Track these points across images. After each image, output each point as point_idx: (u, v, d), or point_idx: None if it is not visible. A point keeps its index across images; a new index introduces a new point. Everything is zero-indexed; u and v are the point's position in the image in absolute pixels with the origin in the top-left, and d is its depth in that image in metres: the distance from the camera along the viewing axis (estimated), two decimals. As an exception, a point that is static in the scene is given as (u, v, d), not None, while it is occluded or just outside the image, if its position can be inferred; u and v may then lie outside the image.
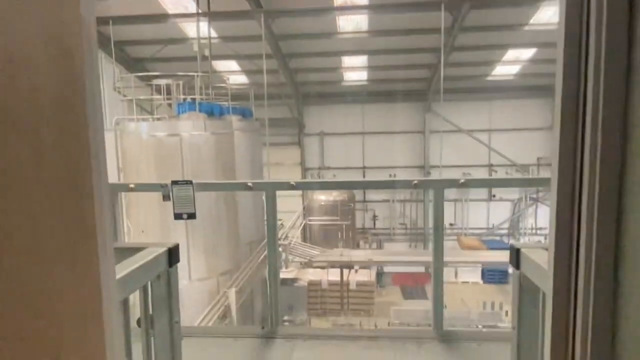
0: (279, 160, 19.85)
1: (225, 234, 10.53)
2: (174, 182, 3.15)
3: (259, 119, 15.00)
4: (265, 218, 3.13)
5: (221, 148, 10.41)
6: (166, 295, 1.43)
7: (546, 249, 1.31)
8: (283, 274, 14.36)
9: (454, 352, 2.90)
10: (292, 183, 3.06)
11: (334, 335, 3.16)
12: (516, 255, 1.35)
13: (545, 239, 20.48)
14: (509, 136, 19.67)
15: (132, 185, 3.20)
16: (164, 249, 1.42)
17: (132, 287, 1.25)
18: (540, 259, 1.26)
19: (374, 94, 19.79)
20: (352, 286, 16.19)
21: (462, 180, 2.84)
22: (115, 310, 0.84)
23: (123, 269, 1.20)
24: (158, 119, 11.58)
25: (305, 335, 3.16)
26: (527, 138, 19.71)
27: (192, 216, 3.18)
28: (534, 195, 19.95)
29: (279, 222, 13.46)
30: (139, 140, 9.95)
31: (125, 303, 1.25)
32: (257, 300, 12.96)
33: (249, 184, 3.08)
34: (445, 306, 11.28)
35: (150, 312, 1.43)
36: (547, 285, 1.09)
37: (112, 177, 10.54)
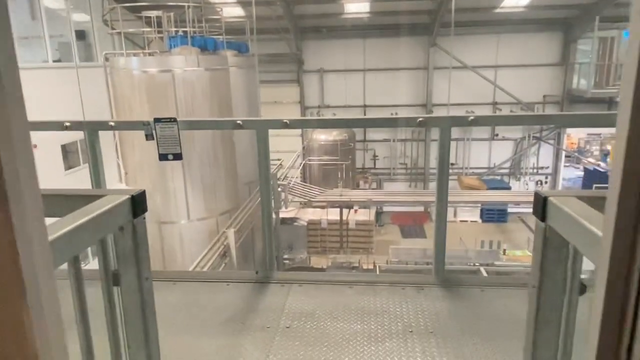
0: (277, 99, 19.36)
1: (224, 173, 10.37)
2: (157, 120, 2.89)
3: (257, 54, 14.38)
4: (257, 159, 2.91)
5: (216, 85, 9.99)
6: (132, 250, 1.23)
7: (580, 198, 1.09)
8: (283, 214, 14.40)
9: (455, 298, 2.78)
10: (285, 121, 2.80)
11: (331, 280, 3.04)
12: (542, 205, 1.13)
13: (547, 179, 20.44)
14: (515, 73, 19.00)
15: (112, 123, 2.94)
16: (126, 196, 1.20)
17: (82, 242, 1.05)
18: (574, 209, 1.04)
19: (376, 27, 18.88)
20: (352, 225, 16.30)
21: (472, 117, 2.58)
22: (47, 271, 0.62)
23: (68, 224, 0.99)
24: (150, 54, 11.04)
25: (300, 280, 3.04)
26: (534, 75, 19.06)
27: (177, 157, 2.95)
28: (537, 134, 19.60)
29: (278, 162, 13.25)
30: (129, 76, 9.52)
31: (76, 261, 1.05)
32: (257, 239, 13.08)
33: (239, 121, 2.82)
34: (444, 245, 11.25)
35: (115, 268, 1.24)
36: (592, 248, 0.89)
37: (105, 115, 10.21)
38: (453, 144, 20.55)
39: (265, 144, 2.84)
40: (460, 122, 2.69)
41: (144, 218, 1.30)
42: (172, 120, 2.86)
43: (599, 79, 18.07)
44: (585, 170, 23.91)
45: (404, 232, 18.65)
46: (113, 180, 8.74)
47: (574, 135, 26.96)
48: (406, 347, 2.34)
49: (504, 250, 11.80)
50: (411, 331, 2.46)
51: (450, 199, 10.80)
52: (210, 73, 9.90)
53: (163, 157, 2.94)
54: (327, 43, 19.41)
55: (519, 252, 11.98)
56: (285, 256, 13.77)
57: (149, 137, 2.92)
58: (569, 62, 18.70)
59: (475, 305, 2.71)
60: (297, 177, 15.14)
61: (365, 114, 20.06)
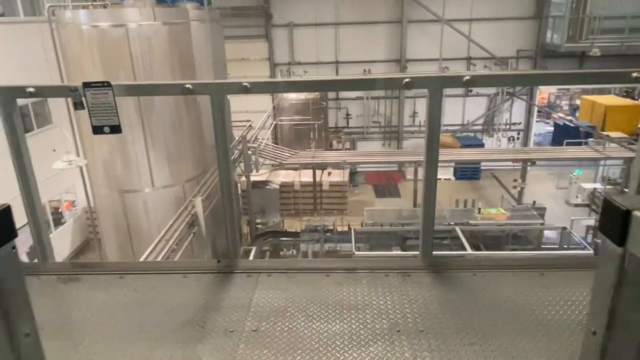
0: (245, 56, 18.41)
1: (189, 137, 9.73)
2: (87, 85, 2.35)
3: (220, 8, 13.42)
4: (214, 130, 2.43)
5: (176, 41, 9.19)
6: (-6, 297, 0.79)
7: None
8: (254, 177, 13.90)
9: (445, 285, 2.45)
10: (245, 84, 2.31)
11: (304, 267, 2.66)
12: (622, 222, 0.73)
13: (519, 134, 20.47)
14: (489, 27, 18.54)
15: (31, 90, 2.39)
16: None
17: None
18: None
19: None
20: (325, 187, 16.03)
21: (468, 77, 2.15)
22: None
23: None
24: (104, 7, 10.03)
25: (269, 269, 2.65)
26: (508, 29, 18.66)
27: (115, 129, 2.44)
28: (511, 90, 19.42)
29: (247, 123, 12.58)
30: (78, 32, 8.61)
31: None
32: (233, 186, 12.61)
33: (188, 85, 2.32)
34: (419, 205, 11.07)
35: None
36: None
37: (55, 78, 9.34)
38: (425, 100, 20.15)
39: (222, 111, 2.36)
40: (454, 82, 2.26)
41: (14, 248, 0.84)
42: (106, 85, 2.33)
43: (573, 33, 17.81)
44: (555, 125, 24.10)
45: (378, 192, 18.52)
46: (65, 150, 8.03)
47: (545, 90, 27.01)
48: (394, 351, 2.01)
49: (479, 209, 11.74)
50: (398, 330, 2.12)
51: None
52: (169, 28, 9.08)
53: (97, 129, 2.43)
54: (296, -5, 18.40)
55: (494, 210, 11.95)
56: (258, 220, 13.41)
57: (78, 105, 2.39)
58: (543, 15, 18.32)
59: (468, 293, 2.39)
60: (267, 139, 14.56)
61: (337, 71, 19.39)
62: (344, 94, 19.83)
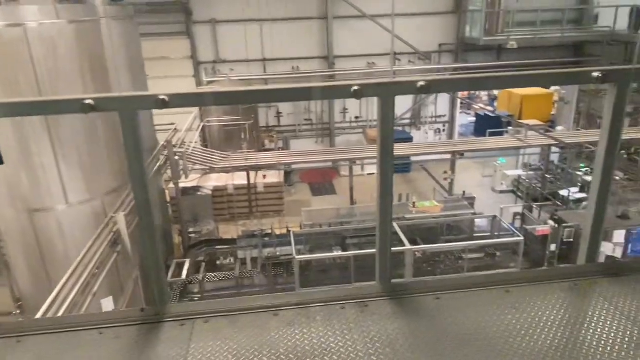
0: (165, 54, 17.39)
1: (105, 144, 8.84)
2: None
3: (135, 3, 12.50)
4: (125, 152, 1.99)
5: (85, 42, 8.30)
6: None
7: None
8: (183, 184, 13.14)
9: (408, 314, 2.19)
10: (162, 97, 1.89)
11: (248, 307, 2.28)
12: None
13: (444, 127, 21.18)
14: (412, 22, 18.90)
15: None
16: None
17: None
18: None
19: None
20: (260, 189, 15.56)
21: (422, 83, 1.89)
22: None
23: None
24: (-3, 5, 8.85)
25: (206, 313, 2.24)
26: (429, 24, 19.15)
27: (-6, 160, 1.91)
28: (435, 84, 19.98)
29: (172, 126, 11.75)
30: (-35, 33, 7.49)
31: None
32: (156, 219, 11.79)
33: (89, 102, 1.85)
34: (356, 202, 10.97)
35: None
36: None
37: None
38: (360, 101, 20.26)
39: (133, 131, 1.92)
40: (407, 89, 1.99)
41: None
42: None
43: (490, 27, 18.64)
44: (477, 115, 25.29)
45: (314, 190, 18.33)
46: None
47: (466, 83, 28.20)
48: (362, 409, 1.71)
49: (414, 203, 11.88)
50: (364, 382, 1.83)
51: (363, 155, 10.29)
52: (76, 26, 8.17)
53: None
54: (217, -10, 17.65)
55: (427, 203, 12.16)
56: (191, 229, 12.68)
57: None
58: (462, 10, 19.00)
59: (435, 322, 2.15)
60: (196, 142, 13.82)
61: (265, 69, 18.92)
62: (273, 92, 19.37)
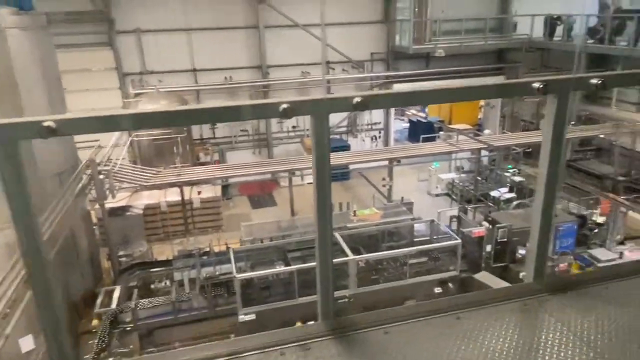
0: (86, 66, 16.31)
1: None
2: None
3: (51, 13, 11.57)
4: (4, 189, 1.62)
5: (-13, 54, 7.48)
6: None
7: None
8: (111, 204, 12.30)
9: (355, 352, 1.98)
10: (47, 124, 1.55)
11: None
12: None
13: (380, 133, 21.53)
14: (343, 31, 19.09)
15: None
16: None
17: None
18: None
19: (198, -19, 16.98)
20: (196, 204, 14.92)
21: (358, 99, 1.69)
22: None
23: None
24: None
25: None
26: (360, 33, 19.43)
27: None
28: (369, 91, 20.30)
29: (95, 144, 10.94)
30: None
31: None
32: (82, 241, 10.91)
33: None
34: (297, 213, 10.72)
35: None
36: None
37: None
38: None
39: (16, 164, 1.56)
40: (342, 105, 1.78)
41: None
42: None
43: (418, 36, 19.23)
44: (410, 121, 26.02)
45: (253, 203, 17.89)
46: None
47: (398, 88, 28.99)
48: None
49: (354, 211, 11.83)
50: None
51: (297, 166, 10.00)
52: (-24, 37, 7.34)
53: None
54: (141, -1, 16.84)
55: (367, 210, 12.17)
56: (121, 253, 11.85)
57: None
58: (391, 19, 19.45)
59: (384, 359, 1.94)
60: (123, 158, 12.99)
61: (196, 79, 18.29)
62: (206, 102, 18.79)
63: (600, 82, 1.96)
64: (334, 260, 2.29)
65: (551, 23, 18.28)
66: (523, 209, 12.40)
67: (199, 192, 13.79)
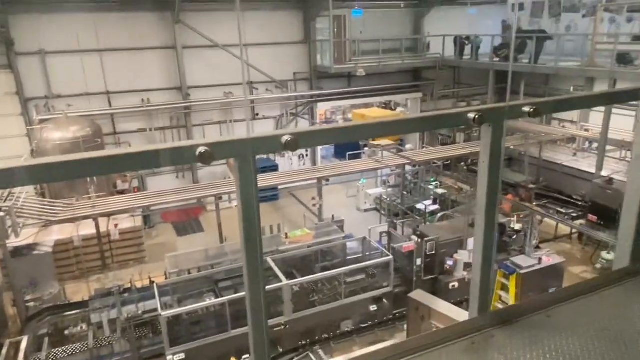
0: (-19, 91, 14.76)
1: None
2: None
3: None
4: None
5: None
6: None
7: None
8: (16, 243, 11.06)
9: None
10: None
11: None
12: None
13: (307, 152, 21.56)
14: (265, 51, 19.01)
15: None
16: None
17: None
18: None
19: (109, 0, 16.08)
20: (115, 236, 13.86)
21: (288, 138, 1.50)
22: None
23: None
24: None
25: None
26: (283, 53, 19.44)
27: None
28: (293, 111, 20.32)
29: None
30: None
31: None
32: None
33: None
34: (226, 239, 10.25)
35: None
36: None
37: None
38: (215, 127, 19.63)
39: None
40: (270, 145, 1.57)
41: None
42: None
43: (339, 56, 19.63)
44: (336, 138, 26.39)
45: (179, 230, 17.00)
46: None
47: (322, 107, 29.39)
48: None
49: (286, 234, 11.58)
50: None
51: (223, 190, 9.58)
52: None
53: None
54: (45, 18, 15.60)
55: (299, 232, 11.97)
56: (28, 297, 10.62)
57: None
58: (311, 39, 19.68)
59: None
60: (27, 192, 11.76)
61: (110, 103, 17.21)
62: (123, 126, 17.73)
63: (532, 109, 1.93)
64: (267, 287, 2.04)
65: (460, 43, 19.48)
66: (448, 220, 12.86)
67: (116, 225, 12.80)
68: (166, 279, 10.45)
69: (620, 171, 15.05)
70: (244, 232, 1.64)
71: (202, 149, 1.45)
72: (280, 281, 9.41)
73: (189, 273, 10.46)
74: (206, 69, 18.27)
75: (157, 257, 13.90)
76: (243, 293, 7.08)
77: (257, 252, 1.62)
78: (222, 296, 9.48)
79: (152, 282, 10.54)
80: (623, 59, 13.97)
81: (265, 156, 20.21)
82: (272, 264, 9.99)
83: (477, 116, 1.82)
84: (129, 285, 10.67)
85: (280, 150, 1.58)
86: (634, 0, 15.44)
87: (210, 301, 9.24)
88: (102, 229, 13.16)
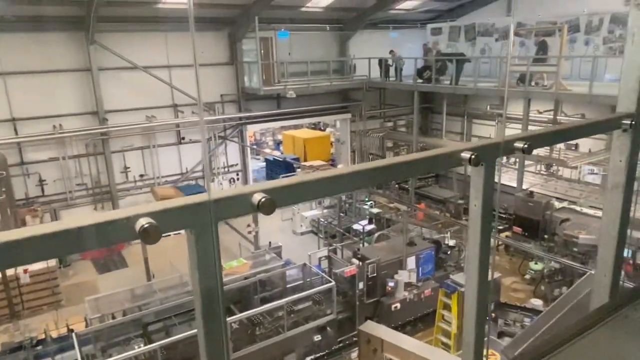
0: None
1: None
2: None
3: None
4: None
5: None
6: None
7: None
8: None
9: None
10: None
11: None
12: None
13: (238, 175, 20.87)
14: (189, 73, 18.28)
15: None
16: None
17: None
18: None
19: (11, 19, 14.63)
20: (25, 280, 12.37)
21: (261, 199, 1.14)
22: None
23: None
24: None
25: None
26: (208, 74, 18.82)
27: None
28: (222, 134, 19.67)
29: None
30: None
31: None
32: None
33: None
34: (154, 275, 9.41)
35: None
36: None
37: None
38: (139, 153, 18.42)
39: None
40: (239, 208, 1.20)
41: None
42: None
43: (267, 77, 19.38)
44: (266, 160, 25.92)
45: (99, 267, 15.56)
46: None
47: (251, 129, 28.88)
48: None
49: (221, 266, 10.88)
50: None
51: None
52: None
53: None
54: None
55: (235, 262, 11.34)
56: None
57: None
58: (238, 61, 19.28)
59: None
60: None
61: (16, 130, 15.56)
62: (30, 156, 16.09)
63: (526, 145, 1.71)
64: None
65: (385, 65, 20.04)
66: (385, 240, 12.86)
67: (25, 271, 11.40)
68: (87, 326, 9.34)
69: (537, 184, 16.08)
70: (204, 324, 1.23)
71: (144, 222, 1.03)
72: (218, 318, 8.73)
73: (113, 317, 9.44)
74: (125, 91, 17.19)
75: (76, 299, 12.55)
76: (177, 336, 6.35)
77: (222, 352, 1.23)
78: (153, 341, 8.62)
79: (70, 331, 9.41)
80: (524, 79, 14.97)
81: (193, 182, 19.31)
82: (208, 300, 9.28)
83: (472, 156, 1.57)
84: (43, 336, 9.42)
85: (252, 213, 1.21)
86: (541, 27, 16.77)
87: (139, 348, 8.33)
88: (9, 272, 11.69)
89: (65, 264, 15.30)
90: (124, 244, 16.52)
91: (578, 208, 13.66)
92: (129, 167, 17.86)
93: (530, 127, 15.08)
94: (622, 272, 2.48)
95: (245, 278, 10.63)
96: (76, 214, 16.61)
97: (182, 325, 9.29)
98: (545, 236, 12.95)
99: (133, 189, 18.10)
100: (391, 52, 20.23)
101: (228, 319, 8.89)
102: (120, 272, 15.10)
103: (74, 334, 8.69)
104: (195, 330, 8.36)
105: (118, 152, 17.56)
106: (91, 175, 17.20)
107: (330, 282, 10.24)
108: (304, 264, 11.09)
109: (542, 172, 17.26)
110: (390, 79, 20.17)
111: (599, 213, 13.40)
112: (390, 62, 19.98)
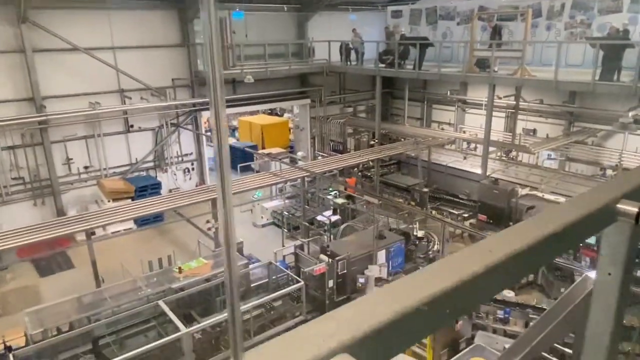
0: None
1: None
2: None
3: None
4: None
5: None
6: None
7: None
8: None
9: None
10: None
11: None
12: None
13: (193, 165, 19.71)
14: (137, 55, 16.92)
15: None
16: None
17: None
18: None
19: None
20: (-48, 290, 10.94)
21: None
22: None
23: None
24: None
25: None
26: (158, 57, 17.50)
27: None
28: (174, 121, 18.44)
29: None
30: None
31: None
32: None
33: None
34: (103, 280, 8.43)
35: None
36: None
37: None
38: (82, 142, 16.88)
39: None
40: None
41: None
42: None
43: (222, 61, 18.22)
44: (222, 148, 24.82)
45: (41, 269, 14.17)
46: None
47: (206, 115, 27.51)
48: None
49: (179, 268, 10.03)
50: None
51: (106, 219, 7.78)
52: None
53: None
54: None
55: (194, 262, 10.48)
56: None
57: None
58: (190, 43, 18.04)
59: None
60: None
61: (-64, 119, 13.78)
62: (-43, 148, 14.37)
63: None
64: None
65: (346, 49, 19.37)
66: (353, 233, 12.38)
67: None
68: (28, 342, 8.28)
69: (499, 170, 16.07)
70: None
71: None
72: (178, 328, 7.96)
73: (59, 331, 8.43)
74: (65, 76, 15.65)
75: (15, 307, 11.30)
76: (134, 351, 5.43)
77: None
78: (106, 357, 7.73)
79: (7, 348, 8.31)
80: (482, 63, 14.79)
81: (144, 172, 18.04)
82: (165, 308, 8.48)
83: None
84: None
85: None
86: (504, 11, 16.63)
87: (89, 367, 7.43)
88: None
89: (2, 267, 13.85)
90: (69, 241, 15.18)
91: (540, 194, 13.72)
92: (71, 159, 16.38)
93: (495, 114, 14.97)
94: None
95: (207, 280, 9.83)
96: (11, 213, 15.07)
97: (138, 336, 8.43)
98: (511, 224, 12.90)
99: (77, 182, 16.66)
100: (354, 30, 19.55)
101: (189, 328, 8.12)
102: (66, 273, 13.83)
103: (11, 354, 7.66)
104: (154, 344, 7.51)
105: (59, 142, 16.04)
106: (29, 168, 15.62)
107: (300, 281, 9.65)
108: (270, 263, 10.42)
109: (502, 157, 17.32)
110: (352, 62, 19.55)
111: (561, 199, 13.53)
112: (351, 45, 19.33)
